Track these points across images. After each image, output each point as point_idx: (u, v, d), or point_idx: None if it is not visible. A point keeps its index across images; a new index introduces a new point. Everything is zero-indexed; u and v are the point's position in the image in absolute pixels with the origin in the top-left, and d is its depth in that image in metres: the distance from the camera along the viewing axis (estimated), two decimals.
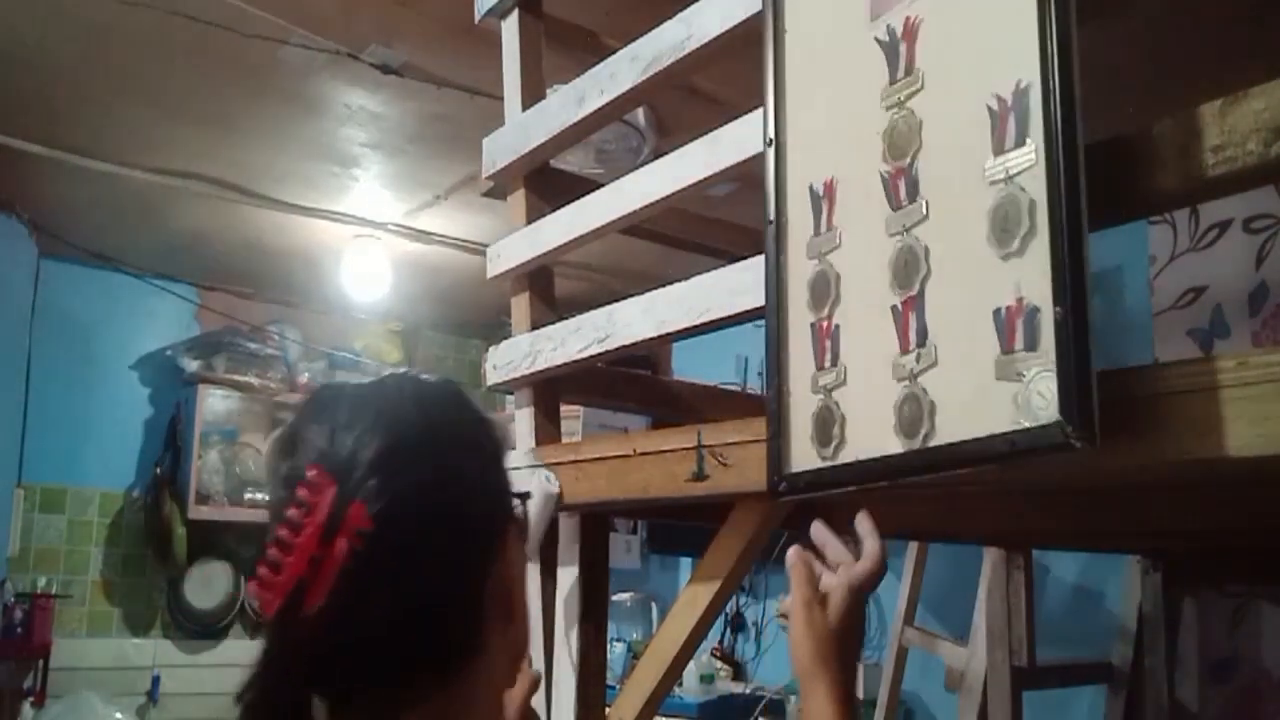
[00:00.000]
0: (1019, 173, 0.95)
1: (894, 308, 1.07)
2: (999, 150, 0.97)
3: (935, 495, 1.50)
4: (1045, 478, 1.26)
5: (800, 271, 1.21)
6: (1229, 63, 1.87)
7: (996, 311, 0.96)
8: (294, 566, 0.68)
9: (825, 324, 1.16)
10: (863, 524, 0.99)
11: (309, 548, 0.68)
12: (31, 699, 3.66)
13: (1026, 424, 0.91)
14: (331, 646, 0.70)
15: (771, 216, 1.24)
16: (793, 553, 0.98)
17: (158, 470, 4.15)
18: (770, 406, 1.20)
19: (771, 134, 1.26)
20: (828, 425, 1.14)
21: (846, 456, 1.12)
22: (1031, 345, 0.92)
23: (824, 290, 1.17)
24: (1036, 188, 0.93)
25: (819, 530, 1.01)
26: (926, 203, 1.06)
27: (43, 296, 4.03)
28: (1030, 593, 2.29)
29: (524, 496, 0.84)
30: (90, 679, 3.90)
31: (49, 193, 3.49)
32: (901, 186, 1.08)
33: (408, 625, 0.72)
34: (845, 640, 0.94)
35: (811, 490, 1.15)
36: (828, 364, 1.15)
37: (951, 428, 1.00)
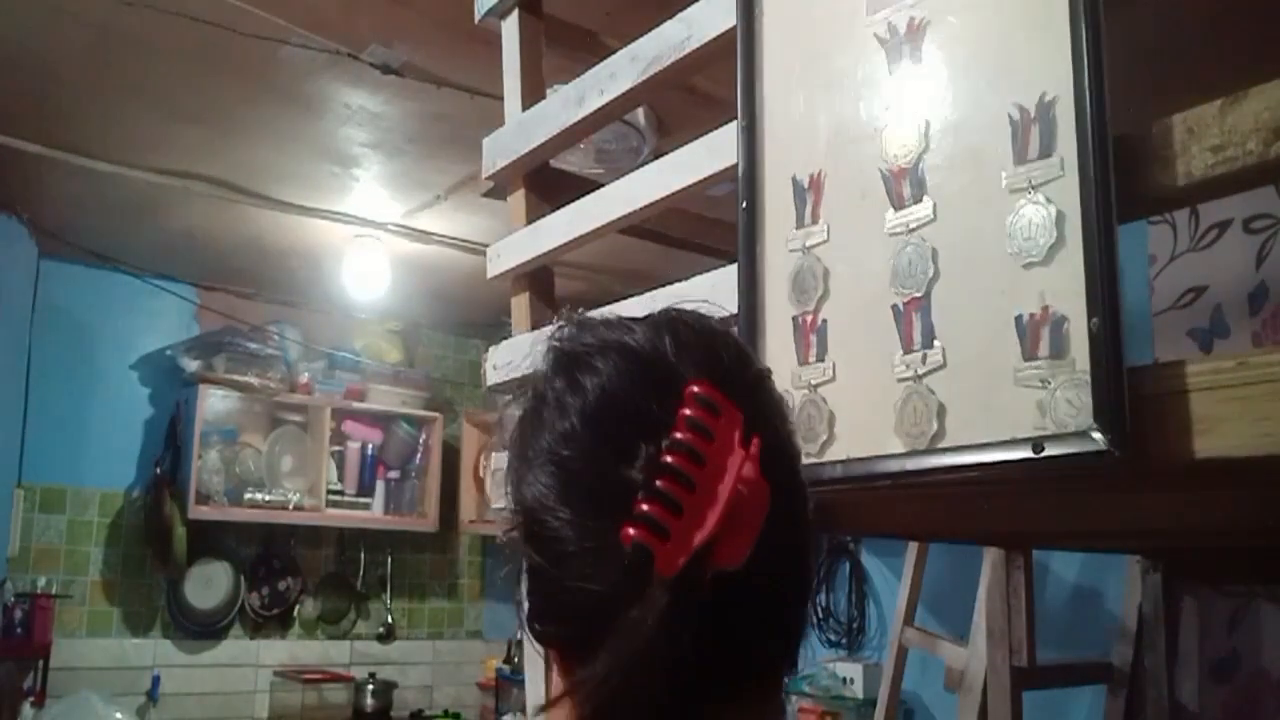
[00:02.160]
0: (1044, 183, 0.95)
1: (895, 307, 1.07)
2: (1021, 160, 0.97)
3: (935, 495, 1.50)
4: (1046, 478, 1.26)
5: (780, 263, 1.20)
6: (1229, 63, 1.86)
7: (1018, 318, 0.96)
8: (705, 510, 0.51)
9: (810, 318, 1.16)
10: None
11: (730, 488, 0.51)
12: (31, 699, 3.65)
13: (1052, 430, 0.91)
14: (744, 622, 0.54)
15: (745, 202, 1.24)
16: None
17: (158, 470, 4.15)
18: None
19: (745, 119, 1.26)
20: (813, 422, 1.13)
21: (836, 454, 1.11)
22: (1058, 353, 0.92)
23: (809, 284, 1.16)
24: (1065, 200, 0.93)
25: None
26: (935, 205, 1.05)
27: (43, 296, 4.02)
28: (1030, 593, 2.28)
29: None
30: (90, 679, 3.89)
31: (49, 193, 3.49)
32: (905, 186, 1.08)
33: (802, 599, 0.60)
34: None
35: None
36: (812, 359, 1.15)
37: (964, 430, 0.99)
